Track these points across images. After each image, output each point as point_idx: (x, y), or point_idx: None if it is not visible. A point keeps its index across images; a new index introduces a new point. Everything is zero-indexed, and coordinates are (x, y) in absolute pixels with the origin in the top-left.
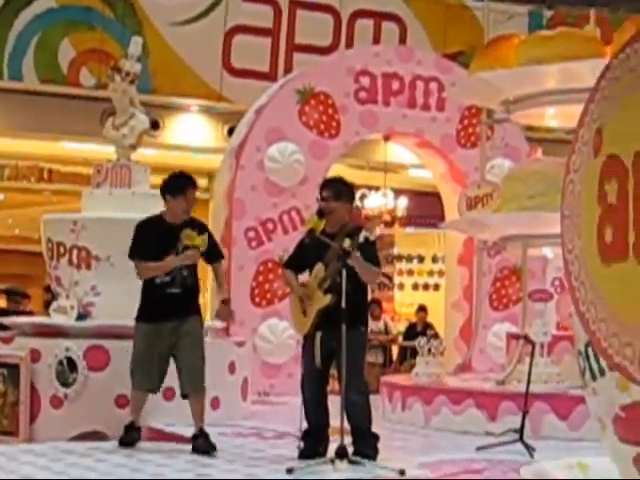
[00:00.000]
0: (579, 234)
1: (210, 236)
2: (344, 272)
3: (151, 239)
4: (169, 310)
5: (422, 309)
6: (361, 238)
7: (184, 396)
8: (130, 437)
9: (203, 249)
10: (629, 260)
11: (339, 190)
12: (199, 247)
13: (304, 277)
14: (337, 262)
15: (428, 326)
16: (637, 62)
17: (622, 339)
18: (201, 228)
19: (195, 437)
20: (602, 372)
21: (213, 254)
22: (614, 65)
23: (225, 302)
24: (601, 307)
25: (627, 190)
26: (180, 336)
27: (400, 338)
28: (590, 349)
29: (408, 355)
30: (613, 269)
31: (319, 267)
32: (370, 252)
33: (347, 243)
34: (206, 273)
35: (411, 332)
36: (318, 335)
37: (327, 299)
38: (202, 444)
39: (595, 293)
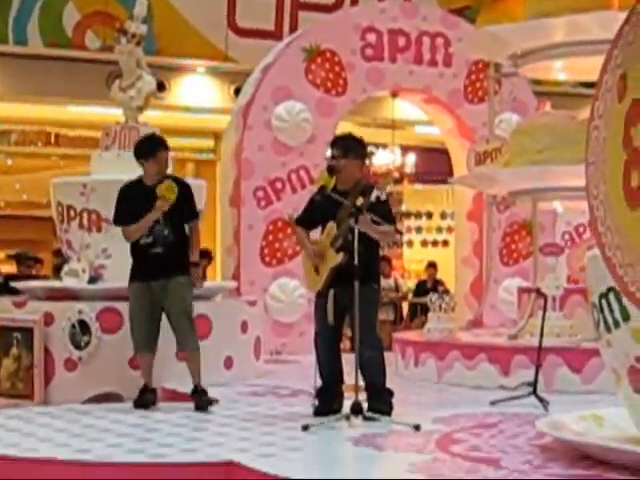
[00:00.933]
0: (605, 180)
1: (185, 193)
2: (356, 230)
3: (132, 202)
4: (154, 270)
5: (432, 265)
6: (372, 197)
7: (180, 352)
8: (144, 399)
9: (172, 199)
10: None
11: (348, 147)
12: (167, 197)
13: (316, 234)
14: (349, 220)
15: (438, 282)
16: None
17: None
18: (179, 185)
19: (192, 393)
20: (617, 324)
21: (188, 213)
22: (638, 10)
23: (193, 265)
24: (628, 251)
25: None
26: (166, 295)
27: (410, 295)
28: (604, 301)
29: (418, 312)
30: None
31: (331, 225)
32: (383, 210)
33: (360, 201)
34: (213, 233)
35: (421, 289)
36: (331, 292)
37: (339, 258)
38: (198, 401)
39: (621, 237)
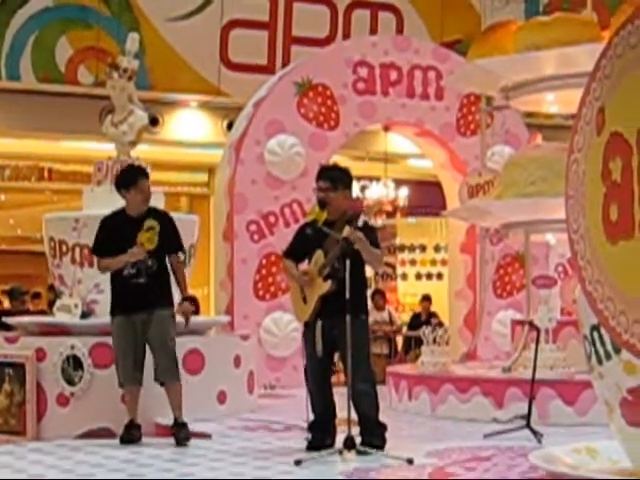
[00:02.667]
0: (584, 213)
1: (168, 227)
2: (347, 262)
3: (114, 234)
4: (138, 301)
5: (426, 298)
6: (360, 222)
7: (161, 385)
8: (130, 435)
9: (150, 247)
10: (635, 237)
11: (336, 178)
12: (145, 246)
13: (304, 266)
14: (337, 249)
15: (432, 315)
16: (638, 39)
17: (630, 317)
18: (161, 219)
19: (172, 427)
20: (608, 356)
21: (170, 246)
22: (615, 43)
23: (186, 300)
24: (608, 286)
25: (632, 167)
26: (150, 328)
27: (405, 328)
28: (596, 333)
29: (413, 345)
30: (619, 247)
31: (319, 254)
32: (370, 236)
33: (347, 230)
34: (207, 267)
35: (415, 322)
36: (319, 323)
37: (327, 285)
38: (177, 434)
39: (601, 272)
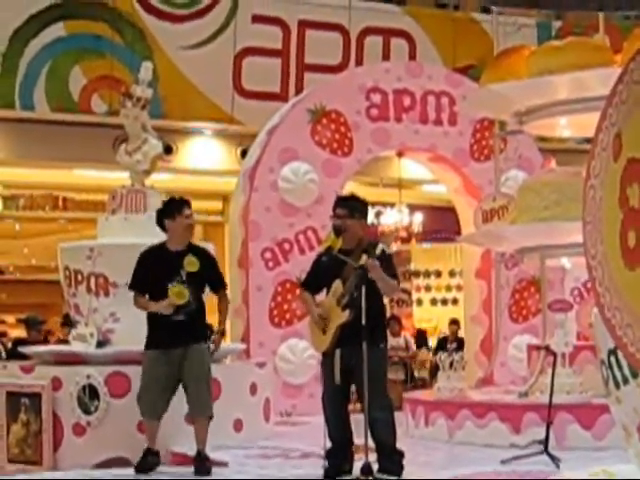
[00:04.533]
0: (602, 239)
1: (213, 264)
2: (363, 289)
3: (153, 268)
4: (175, 337)
5: (454, 322)
6: (378, 250)
7: (191, 418)
8: (146, 463)
9: (179, 302)
10: None
11: (353, 207)
12: (174, 301)
13: (321, 296)
14: (355, 278)
15: (461, 340)
16: None
17: None
18: (201, 255)
19: (195, 459)
20: (626, 380)
21: (215, 283)
22: (631, 68)
23: (219, 333)
24: (627, 312)
25: None
26: (186, 362)
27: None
28: (613, 358)
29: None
30: (637, 273)
31: (337, 284)
32: (388, 265)
33: (364, 259)
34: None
35: (442, 345)
36: (337, 352)
37: (346, 315)
38: (198, 466)
39: (620, 298)
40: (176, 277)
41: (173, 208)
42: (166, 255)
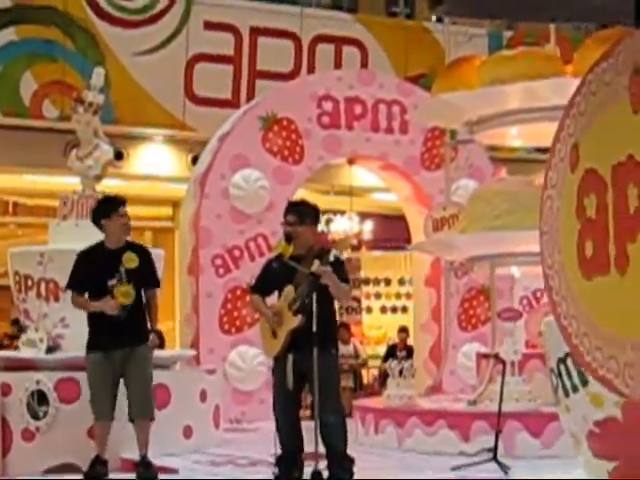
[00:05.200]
0: (559, 249)
1: (150, 260)
2: (314, 295)
3: (91, 267)
4: (116, 338)
5: (403, 330)
6: (331, 257)
7: (131, 420)
8: (95, 471)
9: (125, 302)
10: (611, 273)
11: (304, 213)
12: (120, 301)
13: (272, 300)
14: (306, 284)
15: (410, 349)
16: (612, 76)
17: (605, 352)
18: (139, 253)
19: (137, 464)
20: (575, 389)
21: (150, 280)
22: (589, 80)
23: (154, 332)
24: (583, 321)
25: (606, 204)
26: (129, 364)
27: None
28: (562, 366)
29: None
30: (595, 283)
31: (289, 289)
32: (341, 271)
33: (316, 265)
34: (172, 301)
35: (390, 353)
36: (289, 357)
37: (297, 320)
38: (142, 472)
39: (577, 307)
40: (116, 274)
41: (109, 207)
42: (104, 253)
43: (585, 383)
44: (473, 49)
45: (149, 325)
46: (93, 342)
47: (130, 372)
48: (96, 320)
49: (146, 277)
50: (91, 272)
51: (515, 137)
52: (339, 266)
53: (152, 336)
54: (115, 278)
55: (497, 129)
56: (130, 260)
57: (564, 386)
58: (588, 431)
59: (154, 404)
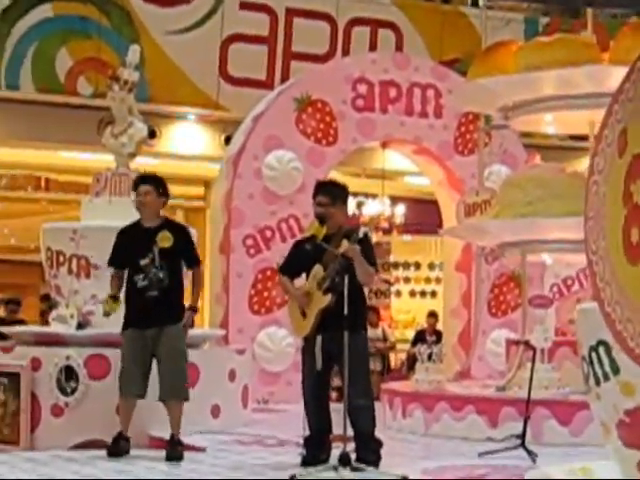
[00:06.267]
0: (604, 235)
1: (188, 240)
2: (345, 278)
3: (128, 245)
4: (149, 315)
5: (432, 315)
6: (360, 234)
7: (162, 401)
8: (117, 447)
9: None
10: None
11: (335, 194)
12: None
13: (299, 283)
14: (336, 264)
15: (438, 333)
16: None
17: None
18: (176, 232)
19: (168, 442)
20: (606, 377)
21: (189, 259)
22: (639, 67)
23: (190, 309)
24: (627, 307)
25: None
26: (159, 343)
27: (405, 345)
28: (594, 354)
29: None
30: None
31: (317, 268)
32: (368, 249)
33: (344, 245)
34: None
35: (419, 338)
36: (318, 338)
37: (327, 299)
38: (171, 451)
39: (621, 293)
40: (148, 254)
41: (134, 185)
42: (140, 231)
43: (617, 371)
44: (509, 34)
45: (187, 303)
46: (127, 319)
47: (160, 351)
48: (130, 298)
49: (185, 256)
50: (127, 250)
51: (549, 124)
52: (366, 244)
53: (188, 314)
54: (148, 258)
55: (532, 115)
56: (164, 239)
57: (595, 374)
58: (618, 420)
59: (184, 384)
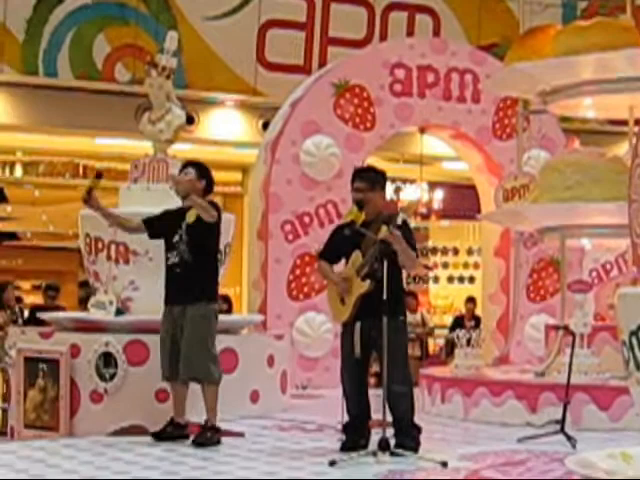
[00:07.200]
0: None
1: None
2: (385, 263)
3: (164, 220)
4: (175, 291)
5: (471, 300)
6: (399, 220)
7: (183, 381)
8: (163, 432)
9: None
10: None
11: (373, 180)
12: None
13: (338, 268)
14: (375, 250)
15: (477, 318)
16: None
17: None
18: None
19: (201, 427)
20: None
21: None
22: None
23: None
24: None
25: None
26: (183, 322)
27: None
28: (635, 339)
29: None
30: None
31: (356, 254)
32: (408, 236)
33: (384, 231)
34: (239, 266)
35: (458, 324)
36: (357, 325)
37: (366, 285)
38: (200, 436)
39: None
40: (179, 230)
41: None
42: (178, 210)
43: None
44: (547, 19)
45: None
46: (165, 296)
47: (183, 332)
48: (166, 272)
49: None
50: (162, 228)
51: (588, 108)
52: (407, 230)
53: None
54: (177, 234)
55: (570, 100)
56: (191, 215)
57: (636, 359)
58: None
59: (203, 366)
